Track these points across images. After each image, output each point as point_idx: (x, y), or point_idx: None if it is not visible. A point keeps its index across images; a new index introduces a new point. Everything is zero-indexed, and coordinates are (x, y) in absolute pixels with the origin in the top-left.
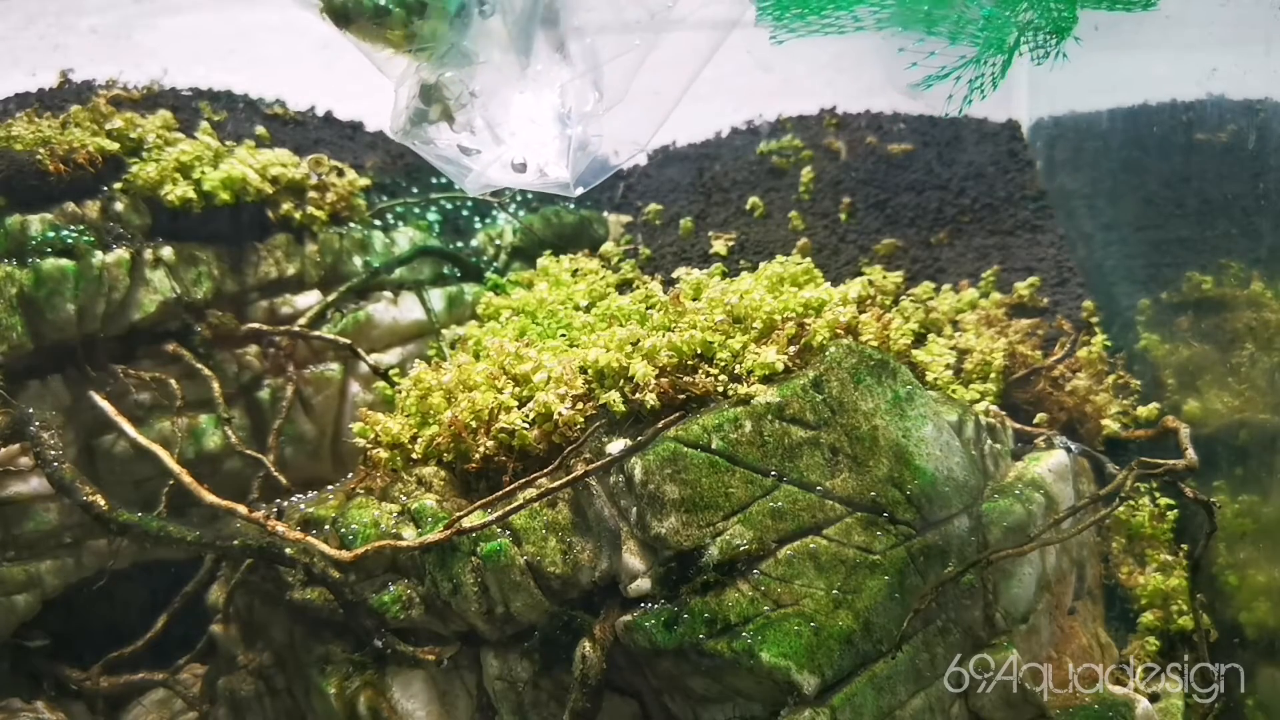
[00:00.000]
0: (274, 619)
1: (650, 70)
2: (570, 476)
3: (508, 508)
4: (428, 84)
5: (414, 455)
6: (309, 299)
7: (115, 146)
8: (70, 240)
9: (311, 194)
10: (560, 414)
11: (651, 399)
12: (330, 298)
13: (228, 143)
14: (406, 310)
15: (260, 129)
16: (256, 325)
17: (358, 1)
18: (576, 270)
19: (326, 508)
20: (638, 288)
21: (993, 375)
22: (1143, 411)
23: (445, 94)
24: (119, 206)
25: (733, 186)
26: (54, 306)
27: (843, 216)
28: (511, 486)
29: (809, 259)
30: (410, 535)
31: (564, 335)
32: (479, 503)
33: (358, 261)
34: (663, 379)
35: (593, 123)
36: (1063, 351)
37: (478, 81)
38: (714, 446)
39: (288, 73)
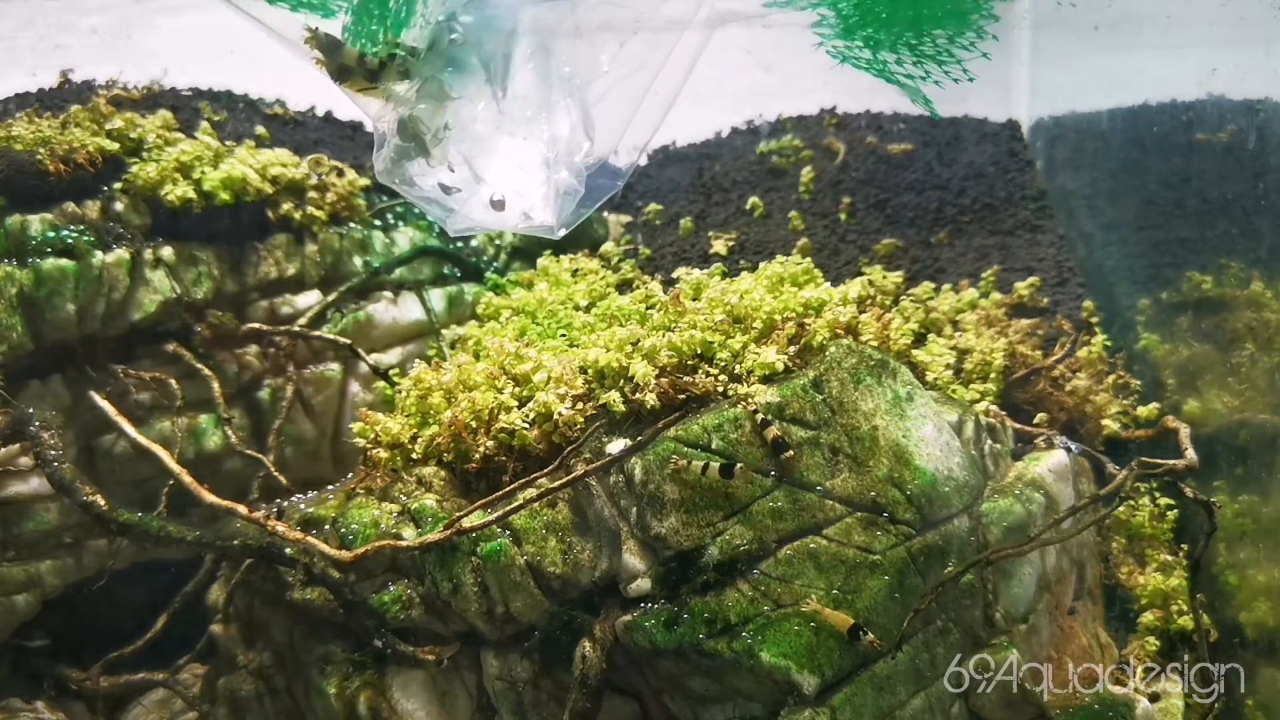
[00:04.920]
0: (274, 619)
1: (644, 77)
2: (570, 476)
3: (508, 508)
4: (403, 118)
5: (414, 455)
6: (309, 299)
7: (115, 146)
8: (70, 240)
9: (311, 194)
10: (560, 414)
11: (651, 399)
12: (330, 298)
13: (228, 143)
14: (406, 310)
15: (260, 129)
16: (256, 325)
17: (354, 62)
18: (576, 270)
19: (326, 508)
20: (638, 288)
21: (993, 375)
22: (1143, 411)
23: (420, 128)
24: (119, 206)
25: (733, 186)
26: (54, 306)
27: (843, 216)
28: (511, 486)
29: (809, 259)
30: (410, 535)
31: (564, 335)
32: (479, 503)
33: (358, 261)
34: (663, 379)
35: (579, 171)
36: (1063, 351)
37: (452, 115)
38: (714, 446)
39: (288, 73)
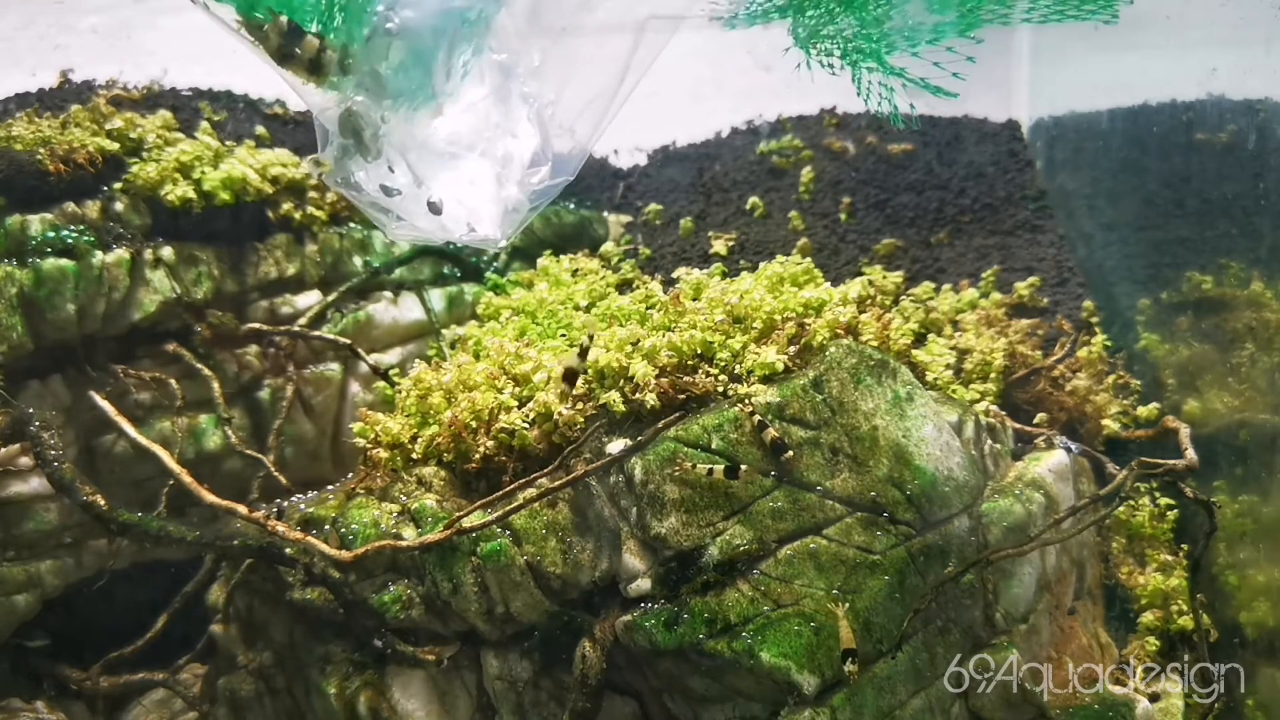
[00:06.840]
0: (274, 619)
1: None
2: (570, 476)
3: (508, 508)
4: (343, 113)
5: (414, 455)
6: (309, 299)
7: (115, 146)
8: (70, 240)
9: (311, 194)
10: (560, 414)
11: (651, 399)
12: (330, 298)
13: (228, 143)
14: (406, 310)
15: (260, 129)
16: (256, 325)
17: (297, 45)
18: (576, 270)
19: (326, 508)
20: (638, 288)
21: (993, 375)
22: (1143, 411)
23: (360, 123)
24: (119, 206)
25: (733, 186)
26: (54, 306)
27: (843, 216)
28: (511, 486)
29: (809, 259)
30: (410, 535)
31: (564, 335)
32: (479, 503)
33: (358, 261)
34: (663, 379)
35: (530, 191)
36: (1063, 351)
37: (389, 111)
38: (714, 446)
39: None
